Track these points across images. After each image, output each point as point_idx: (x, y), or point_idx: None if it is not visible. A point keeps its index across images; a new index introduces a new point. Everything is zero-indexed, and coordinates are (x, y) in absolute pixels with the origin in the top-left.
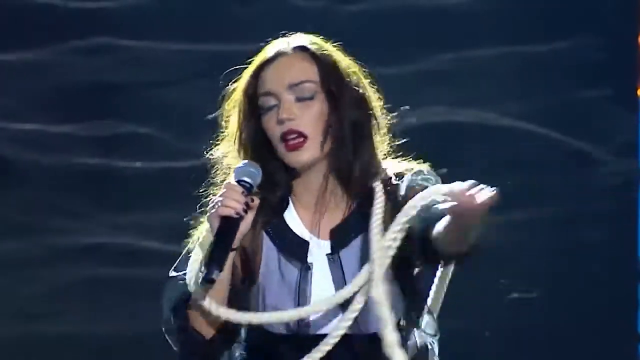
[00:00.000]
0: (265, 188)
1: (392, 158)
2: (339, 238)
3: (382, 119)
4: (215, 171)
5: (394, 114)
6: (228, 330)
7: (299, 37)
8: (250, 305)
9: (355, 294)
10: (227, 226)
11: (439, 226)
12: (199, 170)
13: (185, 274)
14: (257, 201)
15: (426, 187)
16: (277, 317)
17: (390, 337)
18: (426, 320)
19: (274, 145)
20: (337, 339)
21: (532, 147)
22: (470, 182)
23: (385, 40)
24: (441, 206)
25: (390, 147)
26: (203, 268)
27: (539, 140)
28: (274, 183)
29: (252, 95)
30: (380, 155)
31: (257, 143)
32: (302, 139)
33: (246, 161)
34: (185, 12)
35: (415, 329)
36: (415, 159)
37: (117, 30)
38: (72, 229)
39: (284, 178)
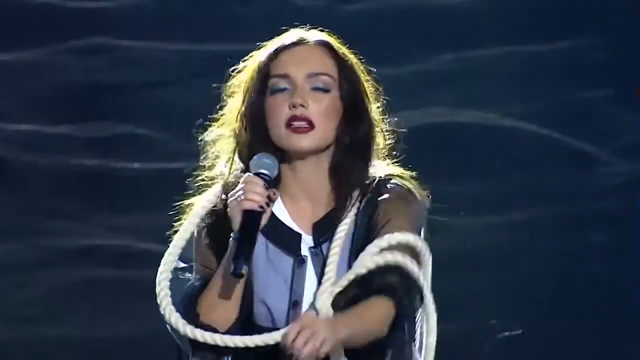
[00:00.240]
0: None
1: (387, 159)
2: (321, 232)
3: (383, 125)
4: (205, 154)
5: (394, 115)
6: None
7: (317, 32)
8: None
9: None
10: (250, 220)
11: None
12: (198, 171)
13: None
14: (277, 194)
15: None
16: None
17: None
18: None
19: (273, 128)
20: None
21: (533, 147)
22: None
23: (386, 40)
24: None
25: (390, 148)
26: (231, 263)
27: (540, 141)
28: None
29: (266, 74)
30: (374, 161)
31: (259, 122)
32: (308, 127)
33: (261, 153)
34: (184, 11)
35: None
36: (416, 160)
37: (115, 30)
38: (69, 230)
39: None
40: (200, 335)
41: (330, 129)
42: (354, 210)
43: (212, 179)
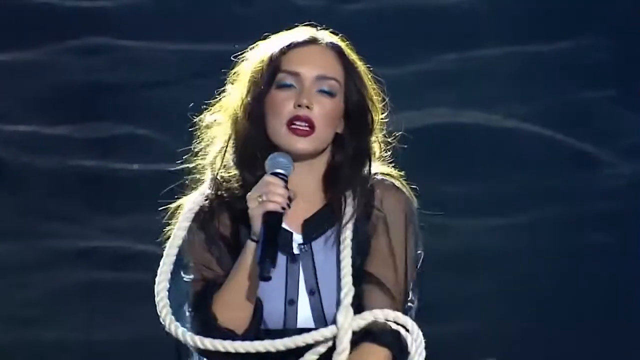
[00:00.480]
0: (245, 166)
1: (383, 160)
2: (311, 230)
3: (385, 132)
4: (199, 139)
5: (395, 115)
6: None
7: (329, 33)
8: None
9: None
10: (273, 221)
11: None
12: (197, 172)
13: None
14: (295, 194)
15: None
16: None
17: None
18: None
19: (273, 124)
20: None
21: (535, 148)
22: None
23: (387, 40)
24: None
25: (389, 150)
26: (257, 266)
27: (542, 142)
28: (254, 163)
29: (276, 68)
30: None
31: (260, 114)
32: (308, 129)
33: (276, 153)
34: (184, 11)
35: None
36: (417, 161)
37: (114, 30)
38: (67, 232)
39: (264, 161)
40: (211, 344)
41: (329, 134)
42: (349, 210)
43: (202, 167)
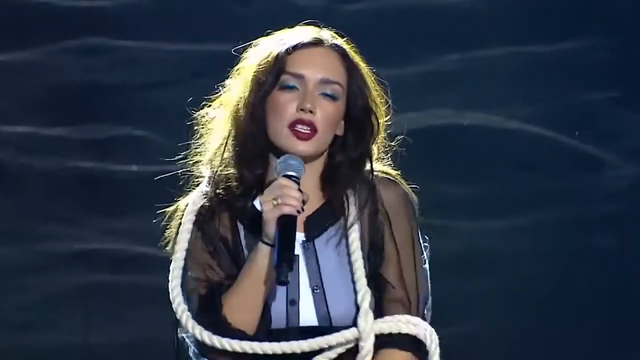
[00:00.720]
0: (244, 164)
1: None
2: (313, 227)
3: (385, 132)
4: (197, 136)
5: (396, 116)
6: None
7: (332, 33)
8: None
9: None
10: (288, 225)
11: None
12: (195, 175)
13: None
14: (309, 197)
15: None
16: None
17: None
18: None
19: (275, 125)
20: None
21: (538, 150)
22: None
23: (387, 41)
24: None
25: (392, 151)
26: (273, 270)
27: (544, 143)
28: (253, 162)
29: (280, 69)
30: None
31: (262, 113)
32: (310, 133)
33: (287, 155)
34: (183, 11)
35: None
36: (419, 162)
37: (112, 30)
38: (65, 234)
39: (263, 160)
40: (239, 345)
41: (330, 136)
42: (353, 210)
43: (201, 164)
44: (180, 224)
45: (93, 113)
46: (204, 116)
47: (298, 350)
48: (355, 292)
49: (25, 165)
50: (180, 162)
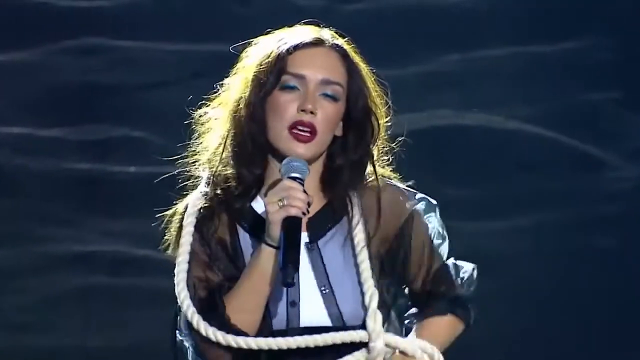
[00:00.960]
0: (243, 164)
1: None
2: (316, 228)
3: (385, 134)
4: (196, 135)
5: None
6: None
7: (332, 33)
8: None
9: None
10: (294, 226)
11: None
12: (194, 176)
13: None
14: (312, 198)
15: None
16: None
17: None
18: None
19: (275, 125)
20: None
21: (538, 150)
22: None
23: (388, 41)
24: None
25: (393, 152)
26: (279, 272)
27: (545, 144)
28: (252, 162)
29: (281, 69)
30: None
31: (262, 113)
32: (310, 135)
33: (290, 157)
34: (182, 11)
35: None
36: (420, 163)
37: (111, 30)
38: (63, 236)
39: (262, 160)
40: (255, 343)
41: (329, 138)
42: (356, 210)
43: (200, 164)
44: (180, 226)
45: (91, 114)
46: (202, 116)
47: (303, 345)
48: (363, 293)
49: (22, 166)
50: (180, 163)
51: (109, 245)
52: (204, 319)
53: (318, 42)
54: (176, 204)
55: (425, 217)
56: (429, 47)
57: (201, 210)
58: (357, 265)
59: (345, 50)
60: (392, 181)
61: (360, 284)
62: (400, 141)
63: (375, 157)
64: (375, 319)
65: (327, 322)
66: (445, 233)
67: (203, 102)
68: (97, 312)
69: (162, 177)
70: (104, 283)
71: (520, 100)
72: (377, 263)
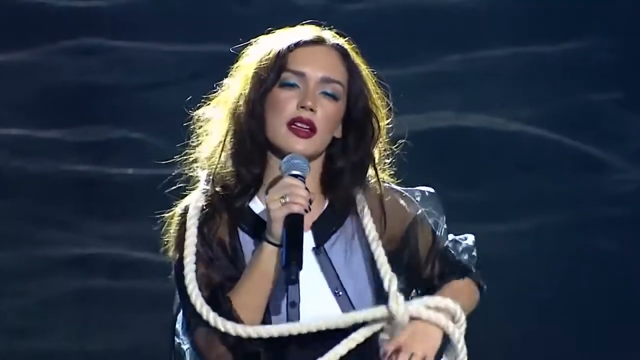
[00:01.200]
0: (241, 163)
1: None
2: (321, 232)
3: (384, 135)
4: (195, 134)
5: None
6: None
7: (334, 33)
8: None
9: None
10: (296, 223)
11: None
12: (194, 177)
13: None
14: (313, 197)
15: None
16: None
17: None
18: None
19: (273, 122)
20: (353, 345)
21: (540, 152)
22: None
23: (388, 41)
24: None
25: (393, 155)
26: (281, 271)
27: (548, 146)
28: (251, 160)
29: (282, 66)
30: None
31: (261, 111)
32: (310, 132)
33: (290, 154)
34: (180, 11)
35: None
36: (420, 165)
37: (109, 31)
38: (60, 239)
39: (261, 159)
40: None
41: (328, 137)
42: (366, 211)
43: (200, 163)
44: (180, 228)
45: (89, 115)
46: (200, 116)
47: (323, 328)
48: (379, 281)
49: (19, 168)
50: (179, 164)
51: (108, 248)
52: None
53: (319, 41)
54: (175, 205)
55: (426, 212)
56: (430, 48)
57: (203, 210)
58: (367, 260)
59: (346, 50)
60: (391, 185)
61: (374, 275)
62: (401, 143)
63: (376, 160)
64: (397, 301)
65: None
66: (443, 224)
67: (202, 102)
68: (95, 315)
69: (164, 180)
70: (102, 286)
71: (521, 101)
72: None
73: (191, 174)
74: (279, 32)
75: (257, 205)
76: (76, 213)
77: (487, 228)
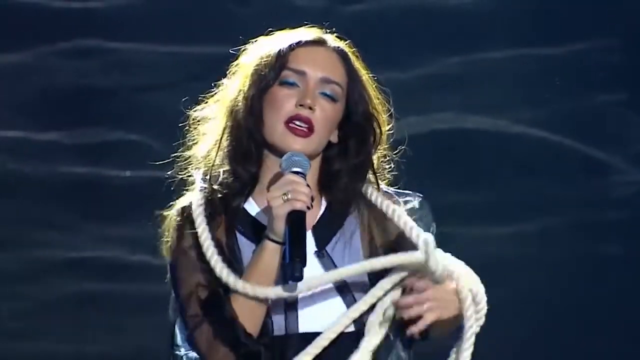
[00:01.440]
0: (238, 161)
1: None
2: (322, 234)
3: (385, 140)
4: (190, 130)
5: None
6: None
7: (335, 37)
8: None
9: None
10: (298, 220)
11: None
12: (190, 179)
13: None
14: (314, 196)
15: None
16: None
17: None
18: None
19: (271, 120)
20: (334, 335)
21: (543, 155)
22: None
23: (389, 42)
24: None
25: (394, 158)
26: (287, 267)
27: (551, 148)
28: (248, 159)
29: (283, 64)
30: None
31: (259, 108)
32: (307, 131)
33: (290, 152)
34: (178, 12)
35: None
36: (421, 168)
37: (105, 32)
38: (57, 241)
39: (257, 157)
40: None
41: (325, 139)
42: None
43: (192, 161)
44: (180, 229)
45: (86, 117)
46: (197, 115)
47: (354, 273)
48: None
49: (16, 170)
50: (177, 166)
51: (105, 251)
52: (209, 319)
53: (320, 42)
54: (171, 207)
55: (417, 218)
56: (431, 49)
57: (204, 208)
58: (366, 258)
59: (347, 54)
60: (388, 189)
61: (372, 275)
62: (401, 146)
63: (375, 164)
64: (431, 247)
65: (316, 329)
66: (433, 227)
67: (200, 103)
68: (92, 318)
69: (162, 182)
70: (99, 289)
71: (523, 103)
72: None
73: (188, 175)
74: (279, 33)
75: (252, 207)
76: (73, 215)
77: (489, 230)
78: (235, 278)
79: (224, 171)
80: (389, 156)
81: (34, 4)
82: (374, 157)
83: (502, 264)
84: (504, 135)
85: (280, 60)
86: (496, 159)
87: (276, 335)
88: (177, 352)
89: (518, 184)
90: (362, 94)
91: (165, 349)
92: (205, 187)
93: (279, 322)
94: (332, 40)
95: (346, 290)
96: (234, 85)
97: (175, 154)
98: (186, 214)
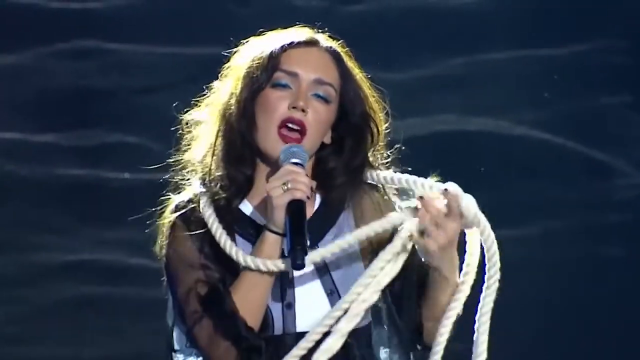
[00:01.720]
0: (232, 163)
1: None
2: (315, 231)
3: (382, 139)
4: (185, 133)
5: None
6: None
7: (327, 37)
8: None
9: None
10: (298, 210)
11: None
12: (185, 182)
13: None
14: (314, 183)
15: None
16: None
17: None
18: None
19: (264, 123)
20: (319, 336)
21: (545, 157)
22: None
23: (389, 43)
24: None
25: (394, 158)
26: (289, 255)
27: (554, 150)
28: (242, 161)
29: (275, 66)
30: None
31: (252, 110)
32: (300, 137)
33: (287, 144)
34: (177, 12)
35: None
36: (422, 170)
37: (104, 33)
38: (55, 245)
39: (251, 159)
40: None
41: (318, 142)
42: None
43: (187, 165)
44: (174, 227)
45: (84, 119)
46: (190, 119)
47: (353, 241)
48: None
49: (13, 172)
50: (175, 168)
51: (103, 254)
52: (210, 314)
53: (312, 42)
54: (166, 207)
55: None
56: (432, 50)
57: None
58: (359, 256)
59: (339, 54)
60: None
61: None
62: (402, 147)
63: (372, 163)
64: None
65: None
66: None
67: (195, 106)
68: (91, 321)
69: (160, 184)
70: (97, 293)
71: (525, 105)
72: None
73: (183, 178)
74: (271, 34)
75: (247, 208)
76: (71, 218)
77: None
78: (245, 254)
79: (219, 175)
80: (387, 156)
81: (32, 5)
82: (372, 157)
83: (503, 265)
84: (505, 137)
85: (272, 62)
86: (498, 161)
87: (273, 335)
88: (176, 359)
89: (520, 185)
90: (357, 94)
91: (164, 353)
92: (205, 191)
93: (275, 319)
94: (324, 40)
95: (335, 292)
96: (226, 88)
97: (174, 159)
98: (180, 213)
